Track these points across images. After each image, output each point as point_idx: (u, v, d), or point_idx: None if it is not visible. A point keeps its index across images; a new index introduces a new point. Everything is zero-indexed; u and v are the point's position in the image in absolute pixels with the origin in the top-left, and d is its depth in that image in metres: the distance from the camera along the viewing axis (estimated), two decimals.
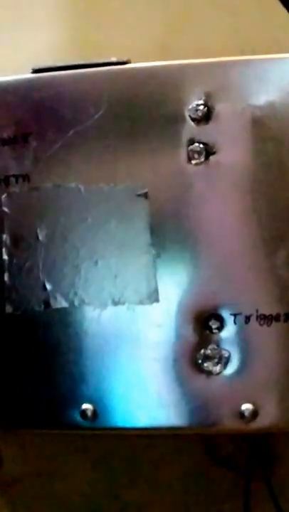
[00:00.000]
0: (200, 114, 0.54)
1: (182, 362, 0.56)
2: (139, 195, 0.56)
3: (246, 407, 0.55)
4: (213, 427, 0.56)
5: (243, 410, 0.55)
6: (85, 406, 0.57)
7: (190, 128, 0.55)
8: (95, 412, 0.57)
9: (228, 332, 0.55)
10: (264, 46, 0.69)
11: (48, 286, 0.57)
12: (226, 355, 0.55)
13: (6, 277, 0.58)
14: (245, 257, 0.55)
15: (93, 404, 0.57)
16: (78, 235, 0.57)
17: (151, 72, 0.55)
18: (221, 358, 0.55)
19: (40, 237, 0.57)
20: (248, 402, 0.55)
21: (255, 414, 0.55)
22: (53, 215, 0.57)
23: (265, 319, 0.55)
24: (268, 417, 0.55)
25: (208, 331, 0.55)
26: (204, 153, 0.54)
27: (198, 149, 0.55)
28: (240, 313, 0.55)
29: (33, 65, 0.58)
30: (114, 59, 0.56)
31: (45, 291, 0.57)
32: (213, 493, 0.76)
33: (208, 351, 0.55)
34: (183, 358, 0.56)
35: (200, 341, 0.55)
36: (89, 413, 0.57)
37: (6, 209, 0.57)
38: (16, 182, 0.57)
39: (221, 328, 0.55)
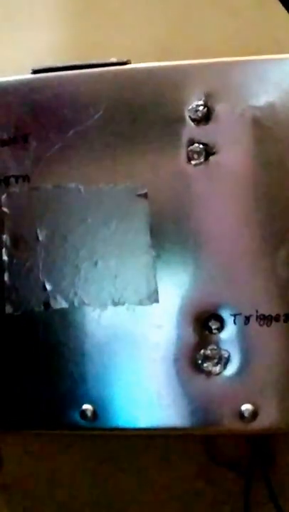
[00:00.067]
0: (200, 114, 0.54)
1: (182, 362, 0.56)
2: (139, 196, 0.56)
3: (246, 407, 0.55)
4: (213, 428, 0.57)
5: (243, 411, 0.55)
6: (85, 406, 0.57)
7: (190, 128, 0.55)
8: (94, 413, 0.57)
9: (228, 332, 0.55)
10: (264, 46, 0.69)
11: (48, 287, 0.57)
12: (226, 355, 0.55)
13: (6, 278, 0.58)
14: (245, 258, 0.55)
15: (93, 405, 0.57)
16: (78, 235, 0.57)
17: (151, 73, 0.55)
18: (220, 358, 0.55)
19: (40, 238, 0.57)
20: (248, 402, 0.55)
21: (255, 414, 0.55)
22: (53, 215, 0.57)
23: (265, 319, 0.55)
24: (267, 418, 0.55)
25: (208, 332, 0.55)
26: (204, 153, 0.54)
27: (198, 150, 0.55)
28: (240, 314, 0.55)
29: (33, 65, 0.58)
30: (114, 59, 0.56)
31: (45, 292, 0.57)
32: (213, 493, 0.76)
33: (208, 352, 0.55)
34: (183, 358, 0.56)
35: (200, 342, 0.56)
36: (89, 413, 0.57)
37: (6, 209, 0.58)
38: (16, 182, 0.57)
39: (220, 328, 0.55)
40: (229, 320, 0.55)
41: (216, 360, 0.55)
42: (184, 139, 0.55)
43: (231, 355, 0.55)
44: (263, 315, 0.55)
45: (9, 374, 0.58)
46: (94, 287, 0.57)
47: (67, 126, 0.56)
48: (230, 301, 0.55)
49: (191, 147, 0.55)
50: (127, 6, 0.76)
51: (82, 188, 0.56)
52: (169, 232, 0.56)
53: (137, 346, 0.56)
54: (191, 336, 0.56)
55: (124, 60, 0.56)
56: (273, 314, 0.54)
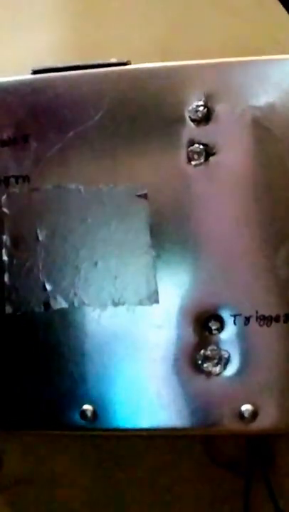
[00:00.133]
0: (200, 115, 0.54)
1: (182, 363, 0.56)
2: (139, 196, 0.56)
3: (246, 407, 0.55)
4: (213, 428, 0.57)
5: (243, 411, 0.55)
6: (85, 407, 0.57)
7: (190, 129, 0.55)
8: (94, 413, 0.57)
9: (228, 333, 0.55)
10: (264, 46, 0.69)
11: (48, 287, 0.57)
12: (226, 356, 0.55)
13: (6, 278, 0.58)
14: (245, 258, 0.55)
15: (93, 405, 0.57)
16: (78, 235, 0.57)
17: (151, 73, 0.55)
18: (220, 358, 0.55)
19: (40, 238, 0.57)
20: (248, 402, 0.55)
21: (254, 414, 0.55)
22: (53, 215, 0.57)
23: (265, 320, 0.55)
24: (267, 418, 0.55)
25: (208, 332, 0.55)
26: (204, 154, 0.54)
27: (198, 150, 0.55)
28: (240, 314, 0.55)
29: (33, 65, 0.58)
30: (114, 60, 0.56)
31: (45, 292, 0.57)
32: (213, 494, 0.76)
33: (208, 352, 0.55)
34: (183, 358, 0.56)
35: (200, 342, 0.56)
36: (89, 414, 0.57)
37: (6, 210, 0.58)
38: (16, 183, 0.57)
39: (220, 329, 0.55)
40: (229, 320, 0.55)
41: (216, 361, 0.55)
42: (184, 140, 0.55)
43: (231, 355, 0.55)
44: (263, 315, 0.55)
45: (9, 374, 0.58)
46: (94, 287, 0.57)
47: (67, 126, 0.56)
48: (230, 302, 0.55)
49: (191, 148, 0.55)
50: (127, 6, 0.76)
51: (82, 188, 0.56)
52: (169, 232, 0.56)
53: (137, 346, 0.56)
54: (191, 337, 0.56)
55: (125, 60, 0.56)
56: (273, 315, 0.54)
